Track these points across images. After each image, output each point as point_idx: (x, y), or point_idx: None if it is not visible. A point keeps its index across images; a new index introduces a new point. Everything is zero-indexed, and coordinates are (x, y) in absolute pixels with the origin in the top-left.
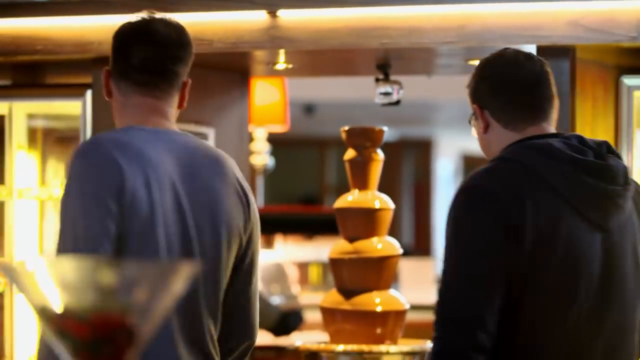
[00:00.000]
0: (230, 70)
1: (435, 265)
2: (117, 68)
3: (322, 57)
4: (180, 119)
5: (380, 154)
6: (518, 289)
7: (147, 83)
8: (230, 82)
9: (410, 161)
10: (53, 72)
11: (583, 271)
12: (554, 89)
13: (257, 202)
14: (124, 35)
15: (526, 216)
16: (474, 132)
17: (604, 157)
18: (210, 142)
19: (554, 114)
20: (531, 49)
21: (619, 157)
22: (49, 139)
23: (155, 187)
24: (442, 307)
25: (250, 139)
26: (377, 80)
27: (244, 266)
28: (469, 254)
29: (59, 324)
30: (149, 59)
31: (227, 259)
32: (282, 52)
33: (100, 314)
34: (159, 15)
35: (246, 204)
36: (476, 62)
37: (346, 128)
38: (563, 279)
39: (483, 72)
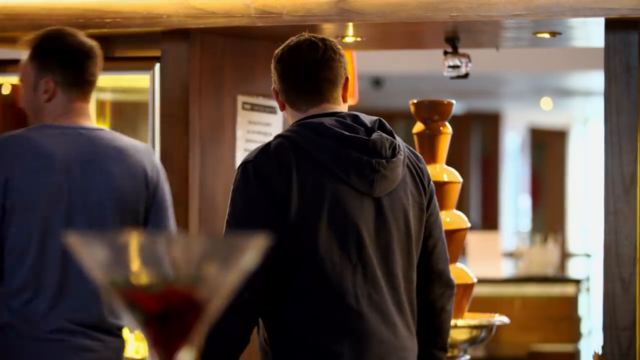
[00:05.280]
0: None
1: (502, 239)
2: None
3: (390, 30)
4: (248, 92)
5: (448, 128)
6: (291, 250)
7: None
8: None
9: (478, 134)
10: (122, 45)
11: (350, 232)
12: (341, 71)
13: None
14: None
15: (291, 187)
16: None
17: (372, 133)
18: (278, 115)
19: (338, 94)
20: (599, 22)
21: (390, 132)
22: (118, 112)
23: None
24: None
25: None
26: (446, 53)
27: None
28: (238, 225)
29: (129, 297)
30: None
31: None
32: (350, 25)
33: (170, 287)
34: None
35: (144, 184)
36: (544, 35)
37: (415, 101)
38: (333, 240)
39: (275, 61)
